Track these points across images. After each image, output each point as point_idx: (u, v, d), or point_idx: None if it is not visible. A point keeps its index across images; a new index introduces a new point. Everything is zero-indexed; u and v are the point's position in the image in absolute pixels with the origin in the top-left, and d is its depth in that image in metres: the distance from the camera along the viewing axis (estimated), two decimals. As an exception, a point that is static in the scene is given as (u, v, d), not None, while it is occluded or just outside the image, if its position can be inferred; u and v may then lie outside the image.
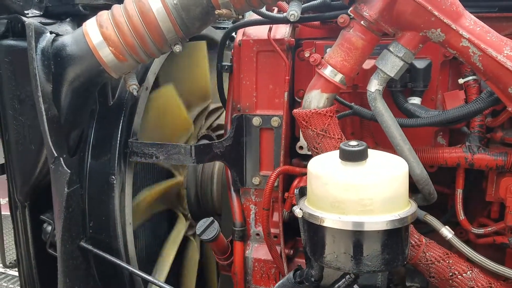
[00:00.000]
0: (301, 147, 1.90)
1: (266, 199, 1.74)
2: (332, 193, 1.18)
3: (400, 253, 1.21)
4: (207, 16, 1.59)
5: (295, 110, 1.58)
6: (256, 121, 1.86)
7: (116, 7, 1.61)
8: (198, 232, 1.80)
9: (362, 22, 1.44)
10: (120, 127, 1.83)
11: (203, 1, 1.54)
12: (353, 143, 1.19)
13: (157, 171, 2.23)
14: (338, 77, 1.49)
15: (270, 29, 1.82)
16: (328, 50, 1.74)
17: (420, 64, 1.64)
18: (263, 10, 1.80)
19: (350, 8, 1.47)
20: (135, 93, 1.70)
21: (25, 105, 1.70)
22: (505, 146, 1.63)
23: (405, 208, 1.22)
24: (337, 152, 1.25)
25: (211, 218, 1.82)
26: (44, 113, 1.60)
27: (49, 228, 1.87)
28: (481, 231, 1.70)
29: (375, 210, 1.15)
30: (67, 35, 1.66)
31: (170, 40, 1.60)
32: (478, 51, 1.35)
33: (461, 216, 1.69)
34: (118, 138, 1.81)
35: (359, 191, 1.15)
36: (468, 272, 1.57)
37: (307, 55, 1.81)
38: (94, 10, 1.77)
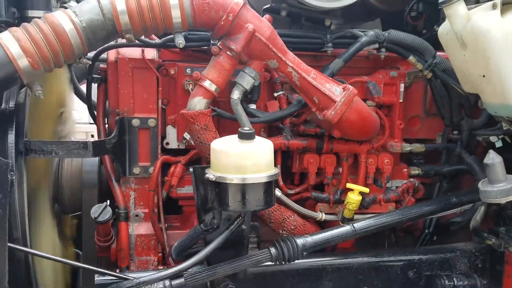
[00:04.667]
0: (167, 143, 2.46)
1: (153, 181, 2.25)
2: (235, 161, 1.83)
3: (272, 197, 1.95)
4: (110, 39, 2.04)
5: (183, 111, 2.16)
6: (135, 122, 2.34)
7: (28, 25, 1.88)
8: (94, 215, 2.15)
9: (228, 52, 2.15)
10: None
11: (109, 26, 1.97)
12: (246, 129, 1.87)
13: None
14: (213, 88, 2.15)
15: (143, 51, 2.35)
16: (188, 70, 2.40)
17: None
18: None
19: (219, 42, 2.16)
20: (41, 97, 1.96)
21: None
22: (305, 136, 2.58)
23: (273, 170, 1.97)
24: (231, 136, 1.91)
25: (105, 203, 2.19)
26: None
27: None
28: (292, 191, 2.60)
29: (261, 170, 1.86)
30: None
31: (77, 55, 1.97)
32: (297, 75, 2.23)
33: (280, 182, 2.56)
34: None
35: (253, 157, 1.83)
36: (292, 216, 2.45)
37: (172, 72, 2.41)
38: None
